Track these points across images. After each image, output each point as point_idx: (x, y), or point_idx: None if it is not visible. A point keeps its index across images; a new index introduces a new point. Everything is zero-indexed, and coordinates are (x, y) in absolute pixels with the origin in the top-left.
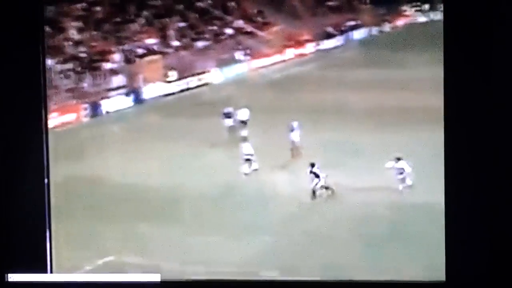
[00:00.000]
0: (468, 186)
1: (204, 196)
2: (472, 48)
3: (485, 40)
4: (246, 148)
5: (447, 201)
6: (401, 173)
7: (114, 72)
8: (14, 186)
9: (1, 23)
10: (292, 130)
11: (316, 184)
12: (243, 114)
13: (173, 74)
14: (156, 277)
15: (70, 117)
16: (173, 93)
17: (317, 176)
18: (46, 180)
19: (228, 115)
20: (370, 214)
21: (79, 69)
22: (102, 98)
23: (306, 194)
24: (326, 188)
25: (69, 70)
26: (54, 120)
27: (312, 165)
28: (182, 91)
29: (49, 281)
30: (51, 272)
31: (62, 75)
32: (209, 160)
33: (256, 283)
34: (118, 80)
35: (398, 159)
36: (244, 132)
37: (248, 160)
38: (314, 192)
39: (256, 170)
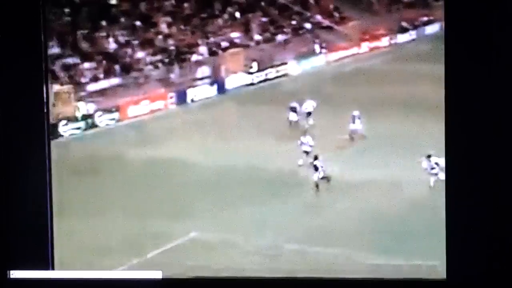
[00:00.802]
0: (469, 184)
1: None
2: None
3: None
4: (307, 140)
5: (448, 199)
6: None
7: (199, 63)
8: (16, 182)
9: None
10: (353, 121)
11: (318, 177)
12: (308, 105)
13: (254, 66)
14: (157, 274)
15: (158, 104)
16: (253, 84)
17: (316, 169)
18: (48, 175)
19: (293, 109)
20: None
21: (167, 60)
22: (188, 87)
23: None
24: (324, 178)
25: (158, 61)
26: (144, 107)
27: (316, 157)
28: (261, 81)
29: (51, 277)
30: (52, 268)
31: (152, 66)
32: (270, 150)
33: (259, 281)
34: (203, 71)
35: (429, 156)
36: (307, 124)
37: (306, 152)
38: (317, 185)
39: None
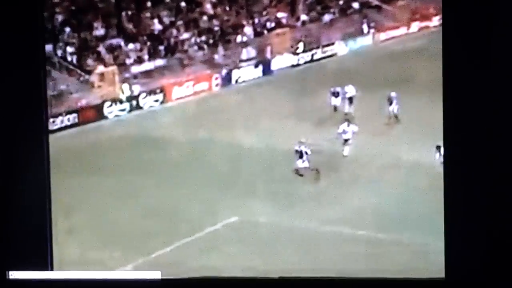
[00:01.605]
0: (468, 181)
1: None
2: None
3: None
4: (346, 128)
5: (446, 197)
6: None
7: (244, 44)
8: (15, 182)
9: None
10: (391, 102)
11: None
12: (351, 90)
13: (300, 46)
14: (156, 275)
15: (203, 86)
16: (299, 65)
17: (301, 156)
18: (47, 174)
19: (335, 94)
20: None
21: (212, 41)
22: (233, 69)
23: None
24: (313, 169)
25: (203, 42)
26: (189, 89)
27: (301, 142)
28: (307, 62)
29: (50, 278)
30: (51, 269)
31: (196, 47)
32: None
33: (260, 281)
34: (248, 51)
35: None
36: (348, 110)
37: (346, 140)
38: (297, 170)
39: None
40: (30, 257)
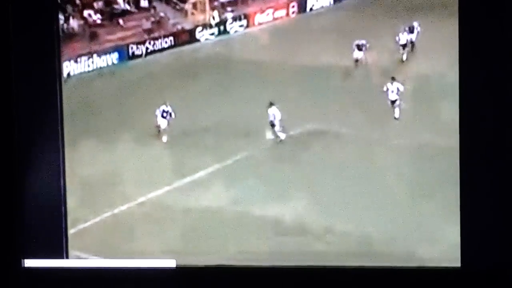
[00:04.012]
0: (485, 176)
1: None
2: None
3: None
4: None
5: (462, 185)
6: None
7: None
8: (30, 169)
9: None
10: (412, 31)
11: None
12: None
13: None
14: (171, 263)
15: (281, 13)
16: None
17: (272, 125)
18: (61, 163)
19: (360, 47)
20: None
21: None
22: None
23: None
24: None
25: None
26: (268, 16)
27: (271, 104)
28: None
29: (65, 266)
30: (67, 257)
31: None
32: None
33: (277, 270)
34: None
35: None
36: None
37: (393, 102)
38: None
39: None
40: (45, 245)
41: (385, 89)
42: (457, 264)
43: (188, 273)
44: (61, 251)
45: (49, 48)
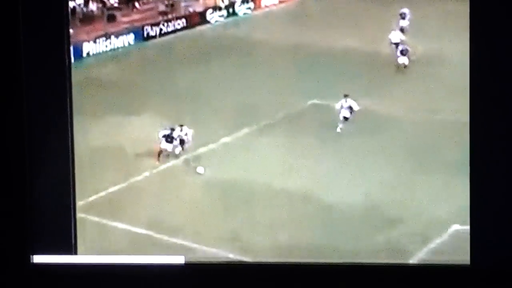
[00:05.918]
0: (495, 168)
1: None
2: None
3: None
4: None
5: (472, 186)
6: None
7: None
8: (38, 163)
9: None
10: (403, 17)
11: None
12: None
13: None
14: (180, 259)
15: None
16: None
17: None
18: (70, 155)
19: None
20: None
21: None
22: None
23: None
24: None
25: None
26: None
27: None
28: None
29: (74, 262)
30: (75, 253)
31: None
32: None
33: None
34: None
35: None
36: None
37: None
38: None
39: None
40: (54, 241)
41: (338, 106)
42: (467, 261)
43: (197, 269)
44: (69, 247)
45: (59, 30)
